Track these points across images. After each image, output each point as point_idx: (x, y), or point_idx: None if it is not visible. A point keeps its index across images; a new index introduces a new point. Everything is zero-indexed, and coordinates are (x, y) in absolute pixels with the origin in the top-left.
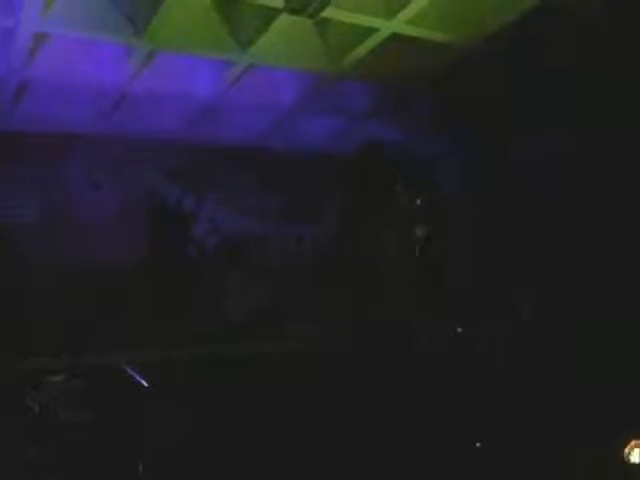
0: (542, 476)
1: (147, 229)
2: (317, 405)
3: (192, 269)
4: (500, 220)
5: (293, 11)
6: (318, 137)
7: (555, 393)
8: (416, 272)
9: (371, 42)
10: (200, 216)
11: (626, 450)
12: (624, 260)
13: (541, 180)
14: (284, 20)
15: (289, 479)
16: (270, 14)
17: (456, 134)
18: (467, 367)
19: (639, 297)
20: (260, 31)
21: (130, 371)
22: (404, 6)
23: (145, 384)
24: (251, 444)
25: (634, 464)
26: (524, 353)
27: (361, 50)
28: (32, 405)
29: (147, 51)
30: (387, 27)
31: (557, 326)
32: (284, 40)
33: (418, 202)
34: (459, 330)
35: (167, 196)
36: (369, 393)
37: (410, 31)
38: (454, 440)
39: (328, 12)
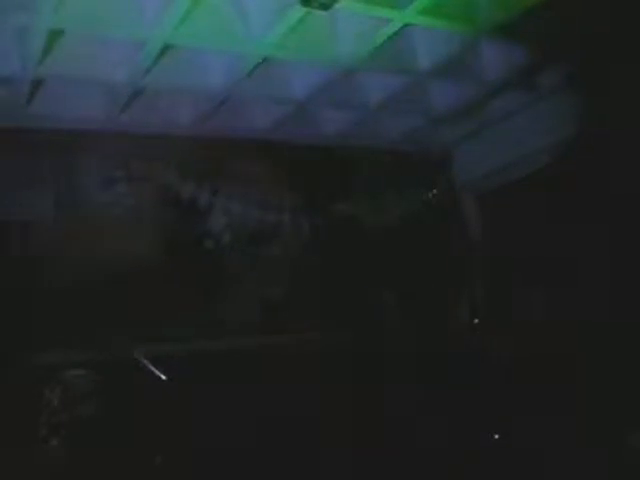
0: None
1: (162, 223)
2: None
3: (208, 262)
4: None
5: (306, 3)
6: (334, 128)
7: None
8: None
9: (385, 33)
10: (215, 209)
11: None
12: None
13: None
14: (297, 12)
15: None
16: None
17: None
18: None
19: None
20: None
21: (148, 365)
22: None
23: (163, 377)
24: (264, 439)
25: None
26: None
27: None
28: (50, 399)
29: None
30: (400, 18)
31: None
32: (297, 32)
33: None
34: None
35: (182, 190)
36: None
37: (424, 21)
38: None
39: (341, 3)
